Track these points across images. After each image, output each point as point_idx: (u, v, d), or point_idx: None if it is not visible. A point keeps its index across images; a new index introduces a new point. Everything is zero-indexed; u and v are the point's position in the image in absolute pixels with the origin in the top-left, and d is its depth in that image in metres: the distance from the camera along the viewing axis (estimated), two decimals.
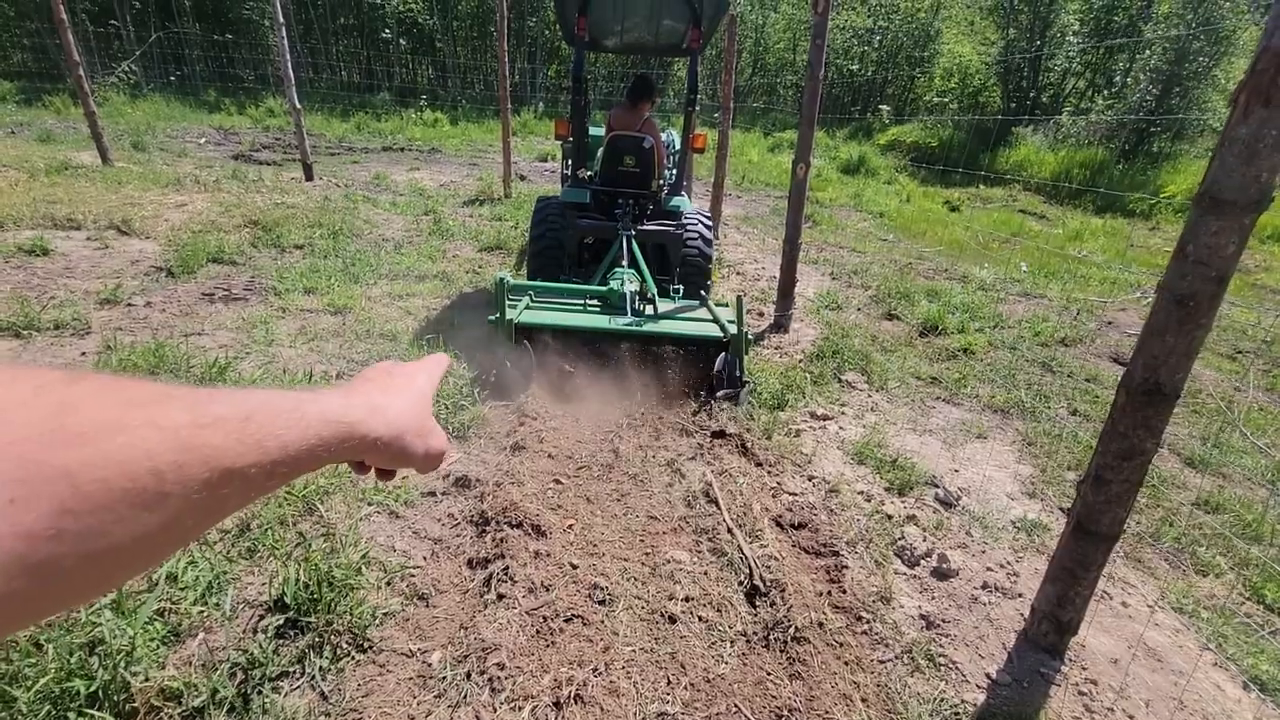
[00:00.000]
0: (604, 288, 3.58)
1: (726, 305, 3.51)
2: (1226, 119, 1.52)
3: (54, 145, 8.61)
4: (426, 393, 0.54)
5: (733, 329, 3.29)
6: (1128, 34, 14.18)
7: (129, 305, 3.91)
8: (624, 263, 3.81)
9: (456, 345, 3.66)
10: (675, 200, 4.46)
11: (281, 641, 1.74)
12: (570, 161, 4.85)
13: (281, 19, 7.51)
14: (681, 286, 4.16)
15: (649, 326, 3.39)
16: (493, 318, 3.21)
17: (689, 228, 4.28)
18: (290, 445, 0.37)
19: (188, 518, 0.31)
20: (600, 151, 4.47)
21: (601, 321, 3.35)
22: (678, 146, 5.08)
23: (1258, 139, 1.45)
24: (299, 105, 7.75)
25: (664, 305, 3.70)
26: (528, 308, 3.42)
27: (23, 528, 0.24)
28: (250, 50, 17.31)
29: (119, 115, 11.44)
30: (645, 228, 4.20)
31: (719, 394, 3.34)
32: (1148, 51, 13.81)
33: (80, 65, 7.38)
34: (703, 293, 4.01)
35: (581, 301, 3.59)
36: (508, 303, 3.22)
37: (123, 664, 1.50)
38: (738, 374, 3.35)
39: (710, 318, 3.54)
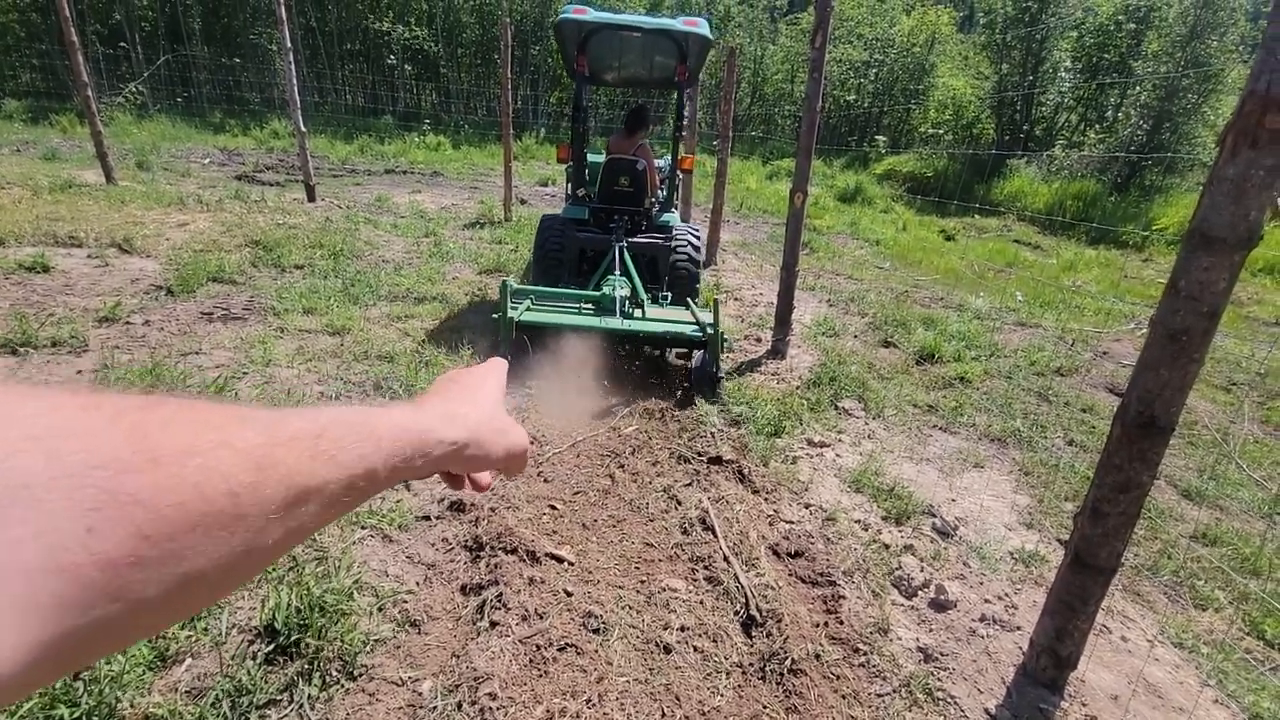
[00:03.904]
0: (598, 292, 3.90)
1: (707, 309, 3.86)
2: (1215, 158, 1.55)
3: (59, 163, 8.69)
4: (496, 395, 0.55)
5: (711, 330, 3.60)
6: (1119, 71, 14.51)
7: (127, 323, 3.91)
8: (616, 271, 4.16)
9: (456, 363, 3.67)
10: (665, 216, 4.95)
11: (270, 668, 1.71)
12: (571, 182, 5.25)
13: (289, 44, 7.65)
14: (670, 293, 4.53)
15: (635, 325, 3.73)
16: (496, 315, 3.52)
17: (678, 240, 4.68)
18: (367, 458, 0.37)
19: (268, 538, 0.31)
20: (599, 173, 4.86)
21: (594, 321, 3.65)
22: None
23: (1245, 178, 1.48)
24: (304, 128, 7.85)
25: (651, 309, 4.06)
26: (528, 309, 3.72)
27: (102, 556, 0.24)
28: (257, 74, 17.61)
29: (125, 135, 11.56)
30: (637, 240, 4.59)
31: (693, 384, 3.75)
32: (1138, 88, 14.13)
33: (89, 86, 7.47)
34: (688, 299, 4.40)
35: (577, 304, 3.91)
36: (510, 304, 3.50)
37: (109, 689, 1.47)
38: (713, 370, 3.72)
39: (691, 319, 3.89)
